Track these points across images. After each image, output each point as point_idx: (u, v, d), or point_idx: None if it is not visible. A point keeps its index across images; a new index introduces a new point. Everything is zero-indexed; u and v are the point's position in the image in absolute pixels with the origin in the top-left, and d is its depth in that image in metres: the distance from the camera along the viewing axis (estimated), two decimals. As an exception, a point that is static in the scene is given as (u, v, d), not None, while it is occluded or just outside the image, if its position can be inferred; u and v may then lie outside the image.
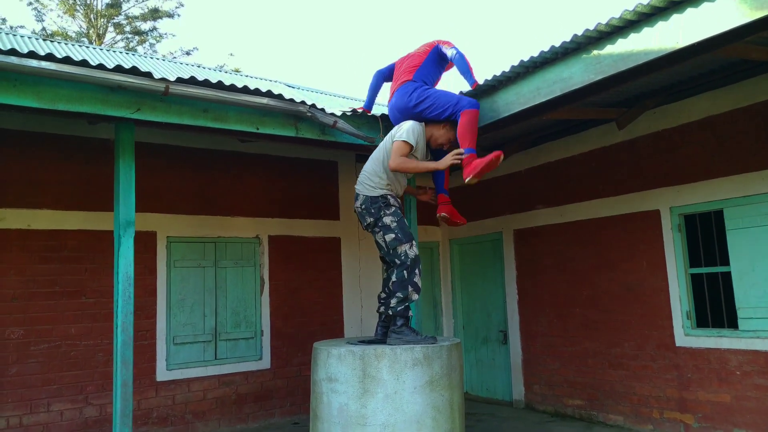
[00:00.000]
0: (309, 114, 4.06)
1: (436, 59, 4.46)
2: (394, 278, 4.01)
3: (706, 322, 5.07)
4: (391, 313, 4.02)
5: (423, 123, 4.09)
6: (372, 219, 3.89)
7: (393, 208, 3.86)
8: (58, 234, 5.27)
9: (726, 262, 4.81)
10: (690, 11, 3.04)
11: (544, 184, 6.30)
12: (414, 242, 3.93)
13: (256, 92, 3.84)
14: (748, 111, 4.65)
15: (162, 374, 5.59)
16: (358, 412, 3.63)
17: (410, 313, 4.07)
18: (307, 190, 6.69)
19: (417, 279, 3.97)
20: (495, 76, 4.01)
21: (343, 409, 3.65)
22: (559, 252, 6.11)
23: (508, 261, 6.72)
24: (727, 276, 4.82)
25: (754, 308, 4.57)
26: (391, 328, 4.08)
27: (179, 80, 3.49)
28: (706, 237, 5.15)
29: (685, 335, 5.00)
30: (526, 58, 3.72)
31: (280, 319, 6.32)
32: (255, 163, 6.38)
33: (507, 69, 3.86)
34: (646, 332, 5.27)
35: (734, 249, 4.71)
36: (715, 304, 5.08)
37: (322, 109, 4.19)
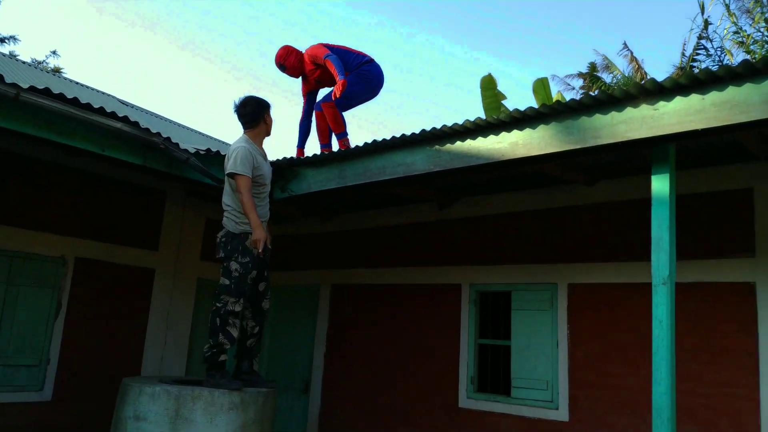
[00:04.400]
0: (162, 146, 4.04)
1: None
2: (209, 322, 4.10)
3: (486, 387, 5.82)
4: (202, 359, 4.08)
5: (248, 137, 4.30)
6: (223, 255, 3.99)
7: (247, 260, 3.98)
8: None
9: (509, 336, 5.63)
10: (515, 132, 3.73)
11: (367, 246, 6.79)
12: (241, 300, 4.04)
13: (112, 115, 3.74)
14: (539, 213, 5.60)
15: None
16: (168, 455, 3.58)
17: (224, 357, 4.12)
18: (128, 215, 6.36)
19: (232, 329, 4.05)
20: (349, 148, 4.39)
21: (152, 451, 3.57)
22: (372, 311, 6.57)
23: (322, 313, 7.02)
24: (508, 349, 5.63)
25: (524, 379, 5.38)
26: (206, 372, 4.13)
27: (32, 89, 3.29)
28: (496, 313, 5.97)
29: (467, 398, 5.68)
30: (379, 139, 4.17)
31: (72, 349, 5.81)
32: (74, 178, 5.93)
33: (360, 144, 4.27)
34: (437, 393, 5.87)
35: (516, 327, 5.54)
36: (496, 373, 5.86)
37: (177, 144, 4.18)
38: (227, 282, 4.01)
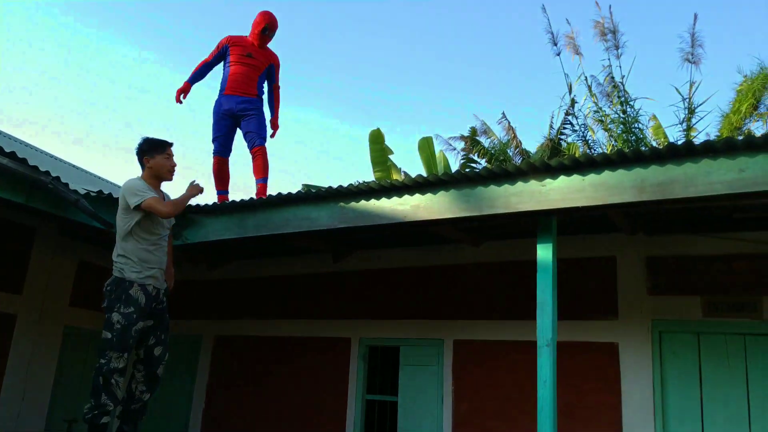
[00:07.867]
0: (51, 186, 3.78)
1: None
2: (92, 380, 3.78)
3: (372, 443, 5.84)
4: (83, 419, 3.77)
5: (142, 177, 4.00)
6: (106, 304, 3.72)
7: (131, 309, 3.70)
8: None
9: (396, 392, 5.72)
10: (417, 196, 3.93)
11: (255, 296, 6.66)
12: (125, 355, 3.74)
13: (-1, 151, 3.47)
14: (427, 270, 5.85)
15: None
16: None
17: (106, 419, 3.82)
18: (-11, 254, 5.78)
19: (116, 390, 3.76)
20: (252, 199, 4.38)
21: None
22: (257, 364, 6.40)
23: (203, 365, 6.72)
24: (395, 405, 5.71)
25: (410, 435, 5.48)
26: None
27: None
28: (384, 368, 6.06)
29: (353, 454, 5.66)
30: (284, 193, 4.20)
31: None
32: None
33: (265, 197, 4.27)
34: (321, 449, 5.79)
35: (403, 382, 5.66)
36: (382, 429, 5.91)
37: (66, 184, 3.94)
38: (109, 335, 3.72)
